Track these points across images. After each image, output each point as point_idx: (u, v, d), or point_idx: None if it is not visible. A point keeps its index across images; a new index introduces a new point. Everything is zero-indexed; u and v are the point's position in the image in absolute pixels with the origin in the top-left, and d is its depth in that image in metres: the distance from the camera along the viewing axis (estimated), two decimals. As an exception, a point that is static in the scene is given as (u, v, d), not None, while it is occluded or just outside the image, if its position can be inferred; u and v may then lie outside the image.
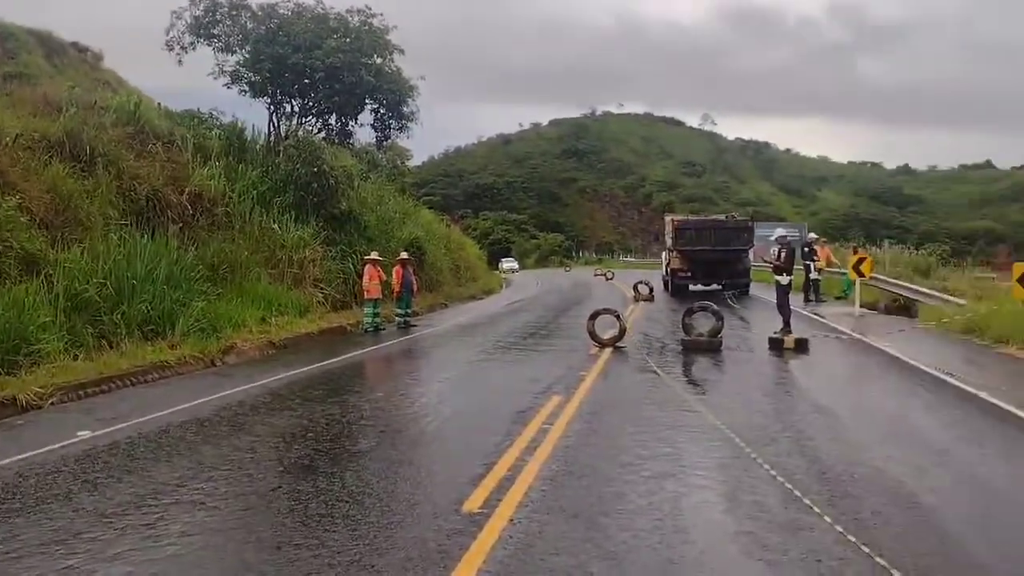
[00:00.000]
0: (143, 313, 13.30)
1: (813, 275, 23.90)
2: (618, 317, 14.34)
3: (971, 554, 4.69)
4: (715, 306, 14.14)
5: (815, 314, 19.56)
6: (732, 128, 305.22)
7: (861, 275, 20.02)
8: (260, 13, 25.79)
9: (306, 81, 26.23)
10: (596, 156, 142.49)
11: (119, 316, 12.73)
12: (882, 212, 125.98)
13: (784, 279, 15.31)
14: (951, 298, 18.05)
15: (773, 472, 6.18)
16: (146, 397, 10.14)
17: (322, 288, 20.87)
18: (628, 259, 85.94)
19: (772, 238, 16.05)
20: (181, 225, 16.59)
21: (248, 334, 15.30)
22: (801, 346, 13.44)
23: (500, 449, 6.99)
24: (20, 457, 7.06)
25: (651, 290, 25.84)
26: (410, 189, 40.43)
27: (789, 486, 5.83)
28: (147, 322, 13.38)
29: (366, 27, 26.68)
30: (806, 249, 24.11)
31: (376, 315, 18.34)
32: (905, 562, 4.46)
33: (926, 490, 5.84)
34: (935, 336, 15.29)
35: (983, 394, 9.37)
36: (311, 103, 27.27)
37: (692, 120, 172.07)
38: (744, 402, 9.36)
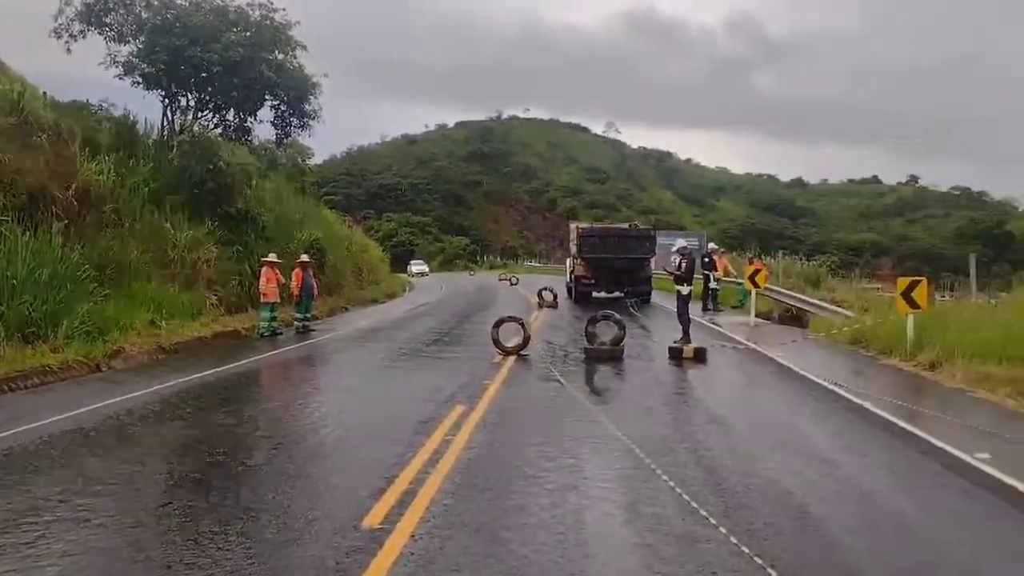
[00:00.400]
0: (23, 315, 12.58)
1: (712, 285, 24.65)
2: (522, 325, 14.39)
3: (857, 563, 4.87)
4: (617, 316, 14.35)
5: (713, 323, 20.13)
6: (635, 137, 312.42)
7: (756, 286, 20.72)
8: (156, 3, 24.75)
9: (203, 75, 25.31)
10: (502, 160, 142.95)
11: (-4, 318, 12.00)
12: (776, 223, 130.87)
13: (684, 289, 15.69)
14: (840, 309, 18.88)
15: (672, 483, 6.28)
16: (25, 404, 9.58)
17: (216, 290, 20.21)
18: (533, 264, 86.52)
19: (674, 248, 16.43)
20: (67, 222, 15.72)
21: (137, 337, 14.66)
22: (699, 356, 13.78)
23: (402, 461, 6.88)
24: None
25: (555, 297, 26.07)
26: (311, 188, 39.66)
27: (687, 498, 5.93)
28: (28, 324, 12.65)
29: (267, 21, 25.99)
30: (706, 259, 24.85)
31: (273, 319, 17.85)
32: (796, 573, 4.60)
33: (815, 500, 6.06)
34: (824, 347, 15.94)
35: (867, 404, 9.82)
36: (208, 97, 26.36)
37: (597, 127, 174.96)
38: (644, 412, 9.53)
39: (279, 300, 18.18)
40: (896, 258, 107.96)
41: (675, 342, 14.42)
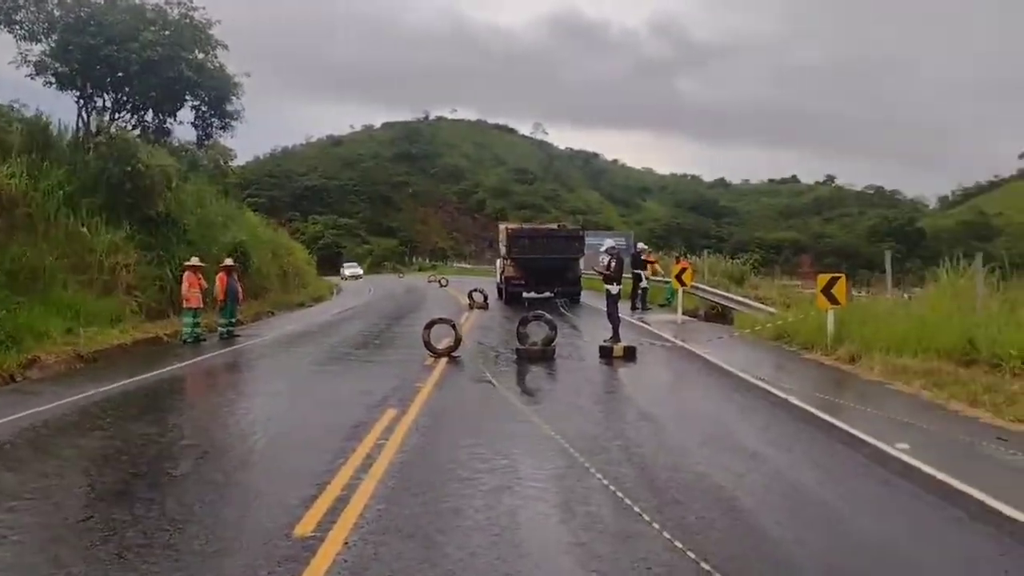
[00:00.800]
0: (-72, 324, 11.99)
1: (643, 284, 25.03)
2: (453, 326, 14.34)
3: (785, 553, 4.98)
4: (548, 316, 14.41)
5: (642, 322, 20.41)
6: (563, 138, 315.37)
7: (683, 284, 21.09)
8: (69, 0, 23.93)
9: (120, 74, 24.61)
10: (429, 161, 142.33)
11: (-102, 328, 11.40)
12: (700, 223, 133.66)
13: (614, 288, 15.86)
14: (763, 306, 19.35)
15: (605, 481, 6.33)
16: (-70, 419, 9.10)
17: (137, 296, 19.61)
18: (463, 265, 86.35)
19: (602, 248, 16.59)
20: (-26, 227, 15.07)
21: (53, 346, 14.13)
22: (629, 354, 13.96)
23: (334, 467, 6.77)
24: None
25: (486, 298, 26.07)
26: (234, 190, 38.76)
27: (620, 495, 5.99)
28: (-67, 334, 12.08)
29: (187, 20, 25.41)
30: (642, 258, 25.31)
31: (196, 325, 17.38)
32: (727, 565, 4.69)
33: (744, 494, 6.18)
34: (749, 343, 16.31)
35: (791, 398, 10.07)
36: (125, 98, 25.65)
37: (524, 128, 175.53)
38: (576, 411, 9.58)
39: (202, 305, 17.71)
40: (814, 255, 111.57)
41: (605, 341, 14.58)
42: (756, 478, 6.67)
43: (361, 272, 69.94)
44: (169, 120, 27.51)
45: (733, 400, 10.51)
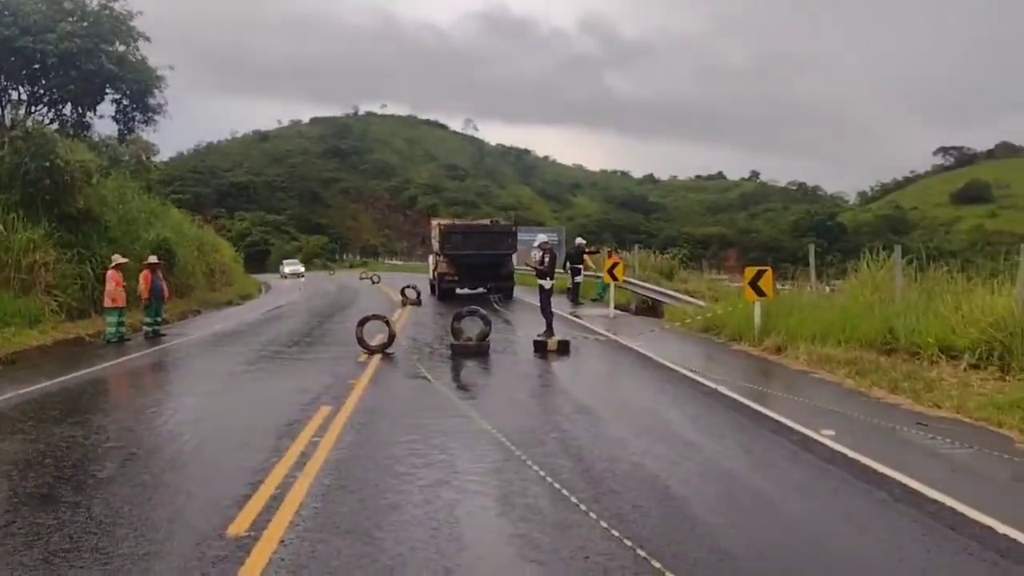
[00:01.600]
0: None
1: (577, 279, 25.31)
2: (387, 323, 14.23)
3: (719, 539, 5.09)
4: (483, 311, 14.41)
5: (574, 316, 20.58)
6: (494, 134, 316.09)
7: (615, 278, 21.34)
8: (-19, -11, 22.98)
9: (36, 67, 23.72)
10: (359, 157, 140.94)
11: None
12: (630, 218, 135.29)
13: (547, 283, 15.97)
14: (692, 299, 19.74)
15: (543, 473, 6.38)
16: None
17: (56, 295, 18.95)
18: (394, 262, 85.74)
19: (535, 244, 16.67)
20: None
21: (-34, 349, 13.57)
22: (563, 348, 14.06)
23: (267, 466, 6.65)
24: None
25: (419, 294, 25.93)
26: (157, 187, 37.75)
27: (557, 486, 6.04)
28: None
29: (107, 11, 24.64)
30: (586, 253, 25.67)
31: (121, 324, 16.87)
32: (663, 551, 4.77)
33: (678, 482, 6.30)
34: (679, 335, 16.62)
35: (721, 388, 10.32)
36: (42, 91, 24.76)
37: (455, 124, 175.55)
38: (512, 405, 9.63)
39: (126, 304, 17.18)
40: (740, 250, 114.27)
41: (539, 335, 14.67)
42: (690, 466, 6.80)
43: (303, 270, 63.08)
44: (89, 114, 26.64)
45: (666, 391, 10.69)
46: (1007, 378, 10.21)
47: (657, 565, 4.55)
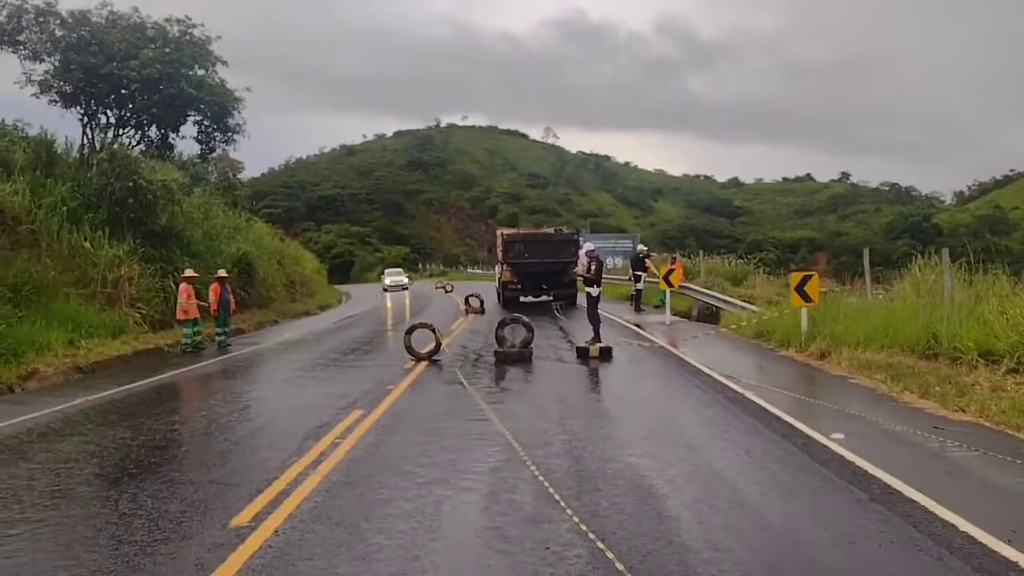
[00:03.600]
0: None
1: (639, 285, 25.42)
2: (434, 331, 14.74)
3: (680, 533, 5.32)
4: (526, 318, 14.78)
5: (632, 323, 20.73)
6: (573, 141, 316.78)
7: (671, 285, 21.39)
8: (71, 20, 24.69)
9: (123, 91, 25.34)
10: (441, 168, 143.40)
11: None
12: (714, 223, 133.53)
13: (594, 291, 16.22)
14: (747, 305, 19.64)
15: (537, 473, 6.71)
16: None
17: (139, 308, 20.23)
18: (474, 271, 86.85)
19: (582, 251, 16.94)
20: (-22, 244, 15.70)
21: (53, 358, 14.72)
22: (605, 355, 14.29)
23: (286, 465, 7.20)
24: None
25: (482, 303, 26.47)
26: (244, 202, 39.54)
27: (547, 484, 6.36)
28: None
29: (186, 37, 26.10)
30: (645, 259, 25.81)
31: (196, 334, 17.95)
32: (621, 544, 5.07)
33: (664, 482, 6.53)
34: (729, 341, 16.63)
35: (749, 394, 10.41)
36: (128, 114, 26.36)
37: (535, 133, 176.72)
38: (534, 409, 9.96)
39: (198, 315, 18.24)
40: (831, 252, 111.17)
41: (585, 342, 14.93)
42: (682, 467, 7.02)
43: (406, 280, 55.91)
44: (172, 135, 28.20)
45: (692, 396, 10.82)
46: (1046, 382, 10.00)
47: (610, 556, 4.85)
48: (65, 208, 20.22)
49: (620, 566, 4.71)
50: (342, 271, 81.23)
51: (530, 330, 14.43)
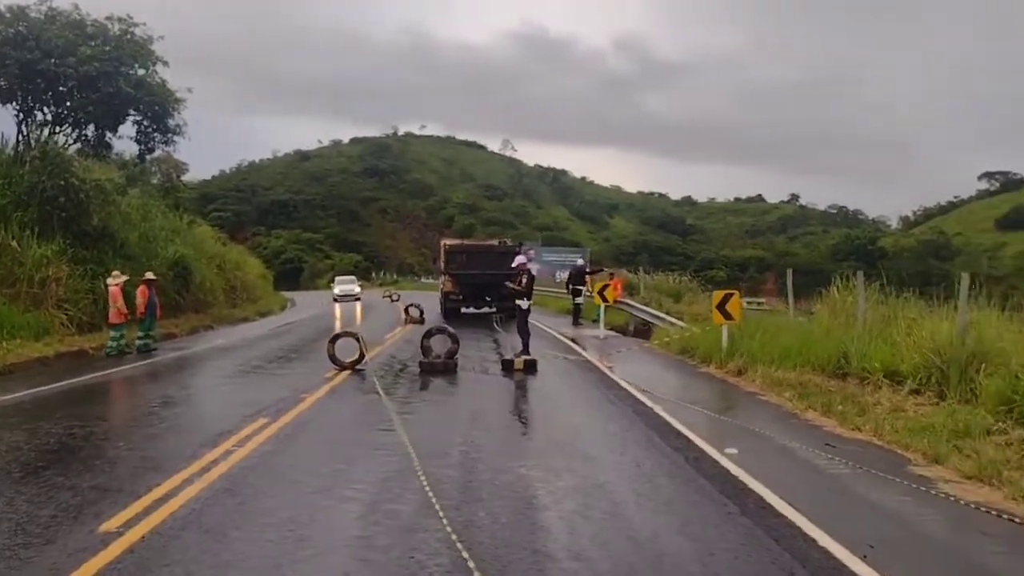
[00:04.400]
0: None
1: (578, 300, 25.62)
2: (358, 340, 14.69)
3: (547, 543, 5.38)
4: (451, 328, 14.82)
5: (568, 336, 20.88)
6: (531, 154, 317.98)
7: (605, 300, 21.62)
8: (8, 15, 24.24)
9: (60, 89, 24.92)
10: (398, 176, 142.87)
11: None
12: (667, 240, 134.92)
13: (524, 303, 16.32)
14: (676, 321, 19.94)
15: (425, 483, 6.72)
16: None
17: (67, 309, 19.84)
18: (427, 280, 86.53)
19: (513, 265, 17.04)
20: None
21: (-35, 359, 14.35)
22: (530, 367, 14.39)
23: (173, 471, 7.12)
24: None
25: (421, 312, 26.44)
26: (187, 204, 39.04)
27: (431, 495, 6.38)
28: None
29: (127, 36, 25.74)
30: (588, 274, 26.06)
31: (122, 337, 17.63)
32: (486, 553, 5.12)
33: (547, 493, 6.61)
34: (654, 356, 16.86)
35: (658, 408, 10.56)
36: (65, 112, 25.89)
37: (493, 145, 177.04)
38: (444, 420, 9.98)
39: (127, 319, 17.93)
40: (777, 272, 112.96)
41: (513, 354, 15.01)
42: (570, 479, 7.09)
43: (358, 290, 52.93)
44: (110, 135, 27.75)
45: (602, 409, 10.94)
46: (942, 404, 10.30)
47: (471, 565, 4.90)
48: (-8, 206, 19.80)
49: (478, 575, 4.76)
50: (291, 277, 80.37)
51: (455, 341, 14.46)
